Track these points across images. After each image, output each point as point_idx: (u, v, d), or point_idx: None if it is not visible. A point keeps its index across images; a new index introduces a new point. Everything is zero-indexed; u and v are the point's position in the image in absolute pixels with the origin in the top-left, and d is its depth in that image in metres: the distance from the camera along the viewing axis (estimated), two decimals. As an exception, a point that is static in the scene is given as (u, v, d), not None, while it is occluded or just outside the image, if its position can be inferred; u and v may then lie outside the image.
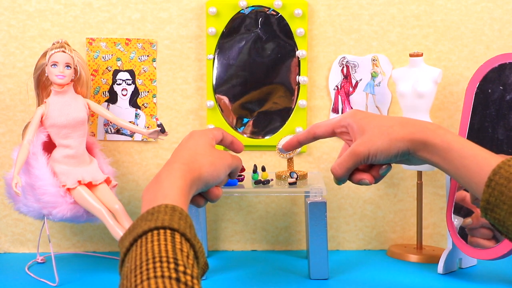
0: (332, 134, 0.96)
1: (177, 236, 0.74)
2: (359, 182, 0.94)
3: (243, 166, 1.35)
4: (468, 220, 1.24)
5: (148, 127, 1.48)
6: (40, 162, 1.28)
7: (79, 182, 1.29)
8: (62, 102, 1.32)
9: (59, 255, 1.44)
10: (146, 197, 0.84)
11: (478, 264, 1.38)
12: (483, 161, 0.83)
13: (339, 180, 0.94)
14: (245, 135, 1.49)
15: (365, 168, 0.95)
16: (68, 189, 1.29)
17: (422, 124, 0.89)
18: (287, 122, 1.48)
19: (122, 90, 1.48)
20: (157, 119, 1.44)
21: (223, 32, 1.47)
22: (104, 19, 1.47)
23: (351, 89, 1.49)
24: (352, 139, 0.93)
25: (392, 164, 0.95)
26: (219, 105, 1.48)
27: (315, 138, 0.98)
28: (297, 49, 1.47)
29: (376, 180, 0.95)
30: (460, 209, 1.30)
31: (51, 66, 1.31)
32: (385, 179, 1.51)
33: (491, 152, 0.85)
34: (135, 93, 1.48)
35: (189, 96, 1.49)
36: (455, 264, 1.34)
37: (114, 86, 1.48)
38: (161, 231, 0.74)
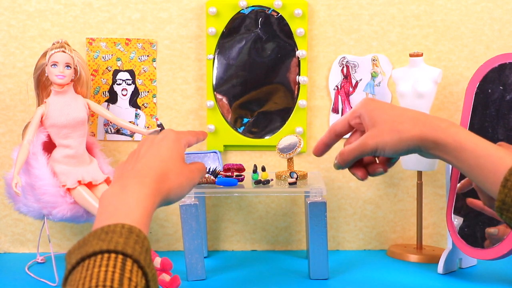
0: (350, 127, 0.94)
1: (129, 263, 0.68)
2: (354, 174, 0.93)
3: (243, 166, 1.35)
4: (493, 230, 1.23)
5: (148, 127, 1.48)
6: (40, 162, 1.28)
7: (79, 182, 1.29)
8: (62, 102, 1.32)
9: (59, 255, 1.43)
10: (106, 203, 0.77)
11: (478, 264, 1.38)
12: (498, 160, 0.82)
13: (340, 166, 0.92)
14: (245, 135, 1.49)
15: (372, 159, 0.94)
16: (68, 189, 1.29)
17: (434, 121, 0.87)
18: (287, 122, 1.48)
19: (122, 90, 1.48)
20: (157, 119, 1.44)
21: (223, 32, 1.47)
22: (104, 19, 1.47)
23: (351, 89, 1.49)
24: (365, 130, 0.91)
25: (391, 165, 0.94)
26: (219, 105, 1.48)
27: (336, 135, 0.95)
28: (297, 49, 1.47)
29: (371, 175, 0.94)
30: (460, 209, 1.30)
31: (51, 66, 1.31)
32: (385, 179, 1.51)
33: (507, 150, 0.84)
34: (135, 93, 1.48)
35: (189, 96, 1.49)
36: (455, 264, 1.34)
37: (114, 86, 1.48)
38: (112, 255, 0.68)
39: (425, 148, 0.86)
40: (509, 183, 0.79)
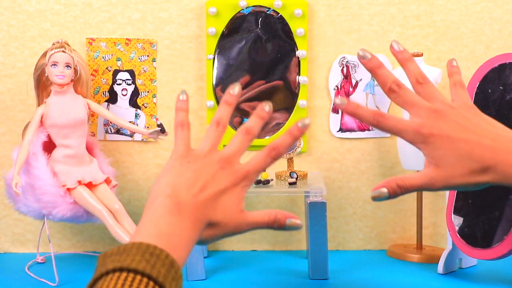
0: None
1: None
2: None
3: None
4: None
5: (148, 127, 1.48)
6: (40, 162, 1.28)
7: (79, 182, 1.29)
8: (62, 102, 1.32)
9: (59, 255, 1.44)
10: (163, 221, 0.72)
11: (478, 264, 1.38)
12: None
13: (388, 197, 0.84)
14: (245, 135, 1.49)
15: None
16: (68, 189, 1.29)
17: (504, 167, 0.79)
18: (287, 122, 1.48)
19: (122, 90, 1.48)
20: (157, 119, 1.44)
21: (223, 32, 1.47)
22: (104, 19, 1.47)
23: (351, 89, 1.49)
24: (425, 160, 0.83)
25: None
26: (219, 105, 1.48)
27: (378, 128, 0.85)
28: (297, 49, 1.47)
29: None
30: (460, 209, 1.30)
31: (51, 66, 1.31)
32: (385, 179, 1.51)
33: None
34: (135, 93, 1.48)
35: (189, 96, 1.49)
36: (455, 264, 1.34)
37: (114, 86, 1.48)
38: (150, 283, 0.64)
39: (502, 185, 0.81)
40: None
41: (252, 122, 0.85)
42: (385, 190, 0.83)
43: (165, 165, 0.81)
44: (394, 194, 0.83)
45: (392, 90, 0.87)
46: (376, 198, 0.83)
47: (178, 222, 0.73)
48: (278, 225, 0.82)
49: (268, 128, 1.49)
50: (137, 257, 0.66)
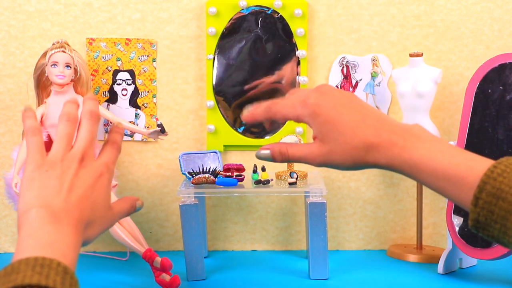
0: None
1: None
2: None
3: (243, 166, 1.35)
4: None
5: (148, 127, 1.48)
6: (40, 162, 1.28)
7: (79, 182, 1.29)
8: (62, 102, 1.31)
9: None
10: (37, 226, 0.71)
11: (478, 264, 1.38)
12: (464, 179, 0.73)
13: (271, 160, 0.85)
14: (245, 135, 1.49)
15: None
16: (68, 189, 1.28)
17: (386, 146, 0.78)
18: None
19: (122, 90, 1.48)
20: (157, 119, 1.44)
21: (223, 32, 1.47)
22: (104, 19, 1.47)
23: (351, 89, 1.49)
24: (313, 132, 0.83)
25: None
26: (218, 105, 1.48)
27: (272, 120, 0.87)
28: (297, 49, 1.47)
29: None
30: (460, 209, 1.30)
31: (51, 66, 1.31)
32: (385, 179, 1.51)
33: (475, 158, 0.76)
34: (135, 93, 1.48)
35: (189, 96, 1.49)
36: (455, 264, 1.34)
37: (114, 86, 1.48)
38: None
39: (383, 169, 0.80)
40: (480, 201, 0.71)
41: (89, 106, 0.85)
42: (268, 152, 0.85)
43: (23, 178, 0.78)
44: (276, 159, 0.85)
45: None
46: (260, 157, 0.85)
47: (58, 230, 0.72)
48: (133, 210, 0.86)
49: (275, 125, 1.48)
50: (28, 272, 0.63)
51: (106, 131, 1.49)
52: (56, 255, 0.68)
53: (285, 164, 1.41)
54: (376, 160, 0.79)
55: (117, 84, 1.48)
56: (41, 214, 0.72)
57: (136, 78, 1.48)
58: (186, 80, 1.49)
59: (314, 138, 0.83)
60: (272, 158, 0.85)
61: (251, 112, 0.89)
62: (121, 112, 1.48)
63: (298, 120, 0.83)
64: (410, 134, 0.78)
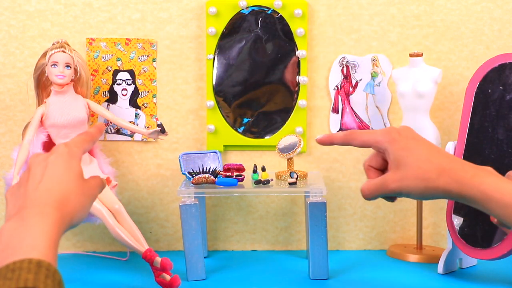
0: (368, 147, 0.92)
1: None
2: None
3: (243, 166, 1.35)
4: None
5: (148, 127, 1.48)
6: (40, 162, 1.28)
7: (79, 182, 1.29)
8: (62, 102, 1.32)
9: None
10: (7, 239, 0.70)
11: (478, 264, 1.38)
12: None
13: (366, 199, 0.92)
14: (245, 135, 1.49)
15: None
16: (68, 189, 1.28)
17: (458, 172, 0.84)
18: (287, 122, 1.48)
19: (122, 90, 1.48)
20: (157, 119, 1.44)
21: (223, 32, 1.47)
22: (104, 19, 1.47)
23: (351, 89, 1.49)
24: (388, 164, 0.89)
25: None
26: (219, 105, 1.48)
27: (350, 144, 0.93)
28: (297, 49, 1.47)
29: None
30: (460, 209, 1.30)
31: (51, 66, 1.31)
32: (385, 179, 1.51)
33: None
34: (135, 93, 1.48)
35: (189, 96, 1.49)
36: (455, 264, 1.34)
37: (114, 86, 1.48)
38: None
39: (451, 198, 0.86)
40: None
41: (93, 127, 0.89)
42: (362, 193, 0.91)
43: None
44: (368, 198, 0.90)
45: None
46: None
47: (25, 225, 0.72)
48: (103, 184, 0.86)
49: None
50: (0, 281, 0.64)
51: (106, 131, 1.49)
52: (26, 254, 0.67)
53: (285, 164, 1.41)
54: (446, 184, 0.84)
55: (117, 84, 1.48)
56: (10, 224, 0.72)
57: (136, 78, 1.48)
58: (186, 80, 1.49)
59: (389, 169, 0.88)
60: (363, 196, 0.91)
61: (329, 135, 0.95)
62: (121, 112, 1.48)
63: (376, 145, 0.89)
64: (481, 168, 0.85)
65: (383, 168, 0.92)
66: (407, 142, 0.88)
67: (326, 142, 0.95)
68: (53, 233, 0.71)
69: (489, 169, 0.86)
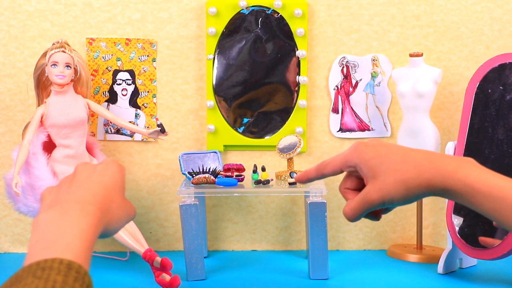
0: (341, 172, 0.88)
1: None
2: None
3: (243, 166, 1.35)
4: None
5: (148, 127, 1.48)
6: (40, 162, 1.28)
7: (79, 182, 1.29)
8: (62, 102, 1.32)
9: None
10: (44, 229, 0.69)
11: (478, 264, 1.38)
12: None
13: (352, 221, 0.88)
14: (245, 135, 1.49)
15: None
16: (68, 189, 1.28)
17: (440, 165, 0.79)
18: (287, 122, 1.48)
19: (122, 90, 1.48)
20: (157, 119, 1.44)
21: (223, 32, 1.47)
22: (104, 19, 1.47)
23: (351, 89, 1.49)
24: (364, 180, 0.85)
25: (387, 212, 0.92)
26: (219, 105, 1.48)
27: (324, 175, 0.90)
28: (297, 49, 1.47)
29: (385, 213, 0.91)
30: (460, 209, 1.30)
31: (51, 66, 1.31)
32: (385, 179, 1.51)
33: None
34: (135, 93, 1.48)
35: (189, 96, 1.49)
36: (455, 264, 1.34)
37: (114, 86, 1.48)
38: None
39: (435, 194, 0.81)
40: None
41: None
42: (345, 216, 0.87)
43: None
44: (352, 219, 0.86)
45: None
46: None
47: (64, 221, 0.72)
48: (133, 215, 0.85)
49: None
50: (28, 279, 0.64)
51: (106, 131, 1.49)
52: (59, 252, 0.67)
53: (285, 164, 1.41)
54: (428, 181, 0.79)
55: (117, 84, 1.48)
56: (49, 214, 0.72)
57: (136, 78, 1.48)
58: (186, 80, 1.49)
59: (366, 183, 0.84)
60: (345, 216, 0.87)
61: (304, 172, 0.92)
62: (121, 112, 1.48)
63: (346, 164, 0.85)
64: (462, 160, 0.79)
65: (359, 187, 0.87)
66: (376, 150, 0.83)
67: (303, 179, 0.93)
68: (90, 234, 0.71)
69: (470, 160, 0.81)
